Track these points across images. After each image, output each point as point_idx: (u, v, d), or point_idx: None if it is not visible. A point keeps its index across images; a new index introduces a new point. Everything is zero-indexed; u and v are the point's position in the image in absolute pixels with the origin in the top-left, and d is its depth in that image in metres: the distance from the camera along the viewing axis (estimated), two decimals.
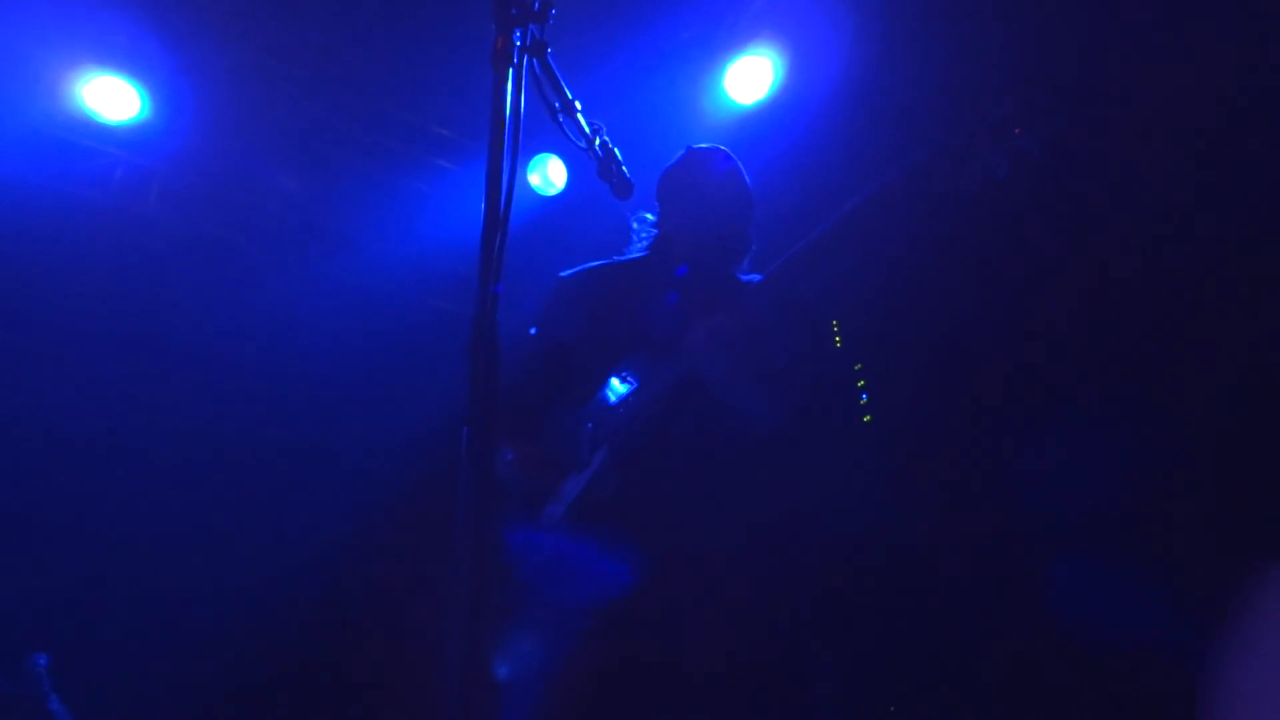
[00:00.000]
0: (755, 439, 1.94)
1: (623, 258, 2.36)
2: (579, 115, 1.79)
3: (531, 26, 1.46)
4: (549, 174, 4.32)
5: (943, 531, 3.37)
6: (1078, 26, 3.09)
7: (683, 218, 2.30)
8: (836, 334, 3.70)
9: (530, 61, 1.49)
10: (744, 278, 2.28)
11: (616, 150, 2.00)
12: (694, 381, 1.91)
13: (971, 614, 3.24)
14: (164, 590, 4.13)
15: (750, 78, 3.93)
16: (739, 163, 2.36)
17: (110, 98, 3.91)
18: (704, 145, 2.40)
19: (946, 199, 1.71)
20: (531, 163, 4.29)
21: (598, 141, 1.93)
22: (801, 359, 2.05)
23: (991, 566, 3.21)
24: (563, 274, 2.35)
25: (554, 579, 1.95)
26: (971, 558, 3.29)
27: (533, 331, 2.26)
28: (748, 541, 1.94)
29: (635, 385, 2.02)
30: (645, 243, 2.34)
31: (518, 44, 1.43)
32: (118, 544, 4.13)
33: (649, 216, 2.38)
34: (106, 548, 4.10)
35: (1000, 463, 3.27)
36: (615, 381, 2.06)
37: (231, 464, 4.51)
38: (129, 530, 4.17)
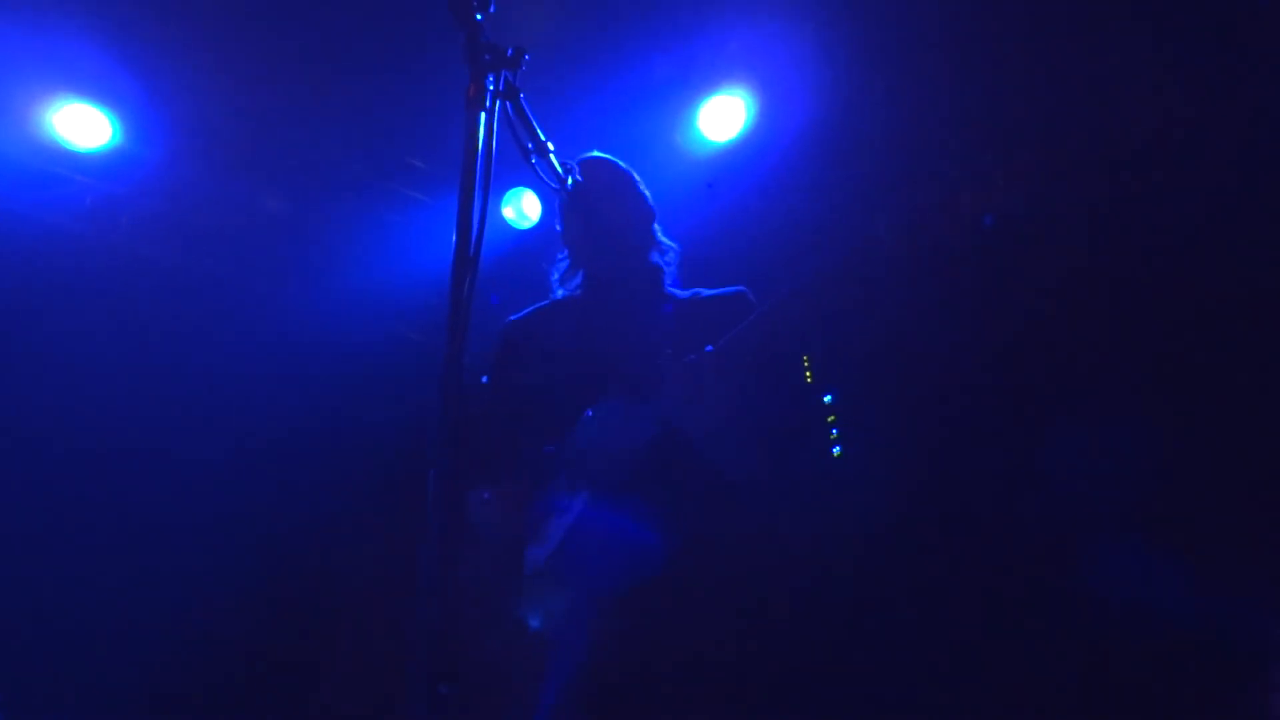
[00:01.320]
0: (731, 484, 1.95)
1: (564, 295, 2.38)
2: (551, 156, 1.82)
3: (504, 72, 1.48)
4: (523, 208, 4.35)
5: (939, 539, 3.35)
6: (1038, 68, 3.19)
7: (571, 245, 2.33)
8: (808, 369, 3.74)
9: (503, 105, 1.52)
10: (681, 293, 2.30)
11: None
12: (670, 431, 1.91)
13: (968, 614, 3.21)
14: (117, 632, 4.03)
15: (723, 116, 4.01)
16: (604, 161, 2.32)
17: (81, 125, 3.88)
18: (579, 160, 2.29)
19: (930, 251, 1.73)
20: (505, 196, 4.32)
21: (570, 181, 1.95)
22: (778, 407, 2.05)
23: (988, 563, 3.20)
24: (511, 318, 2.37)
25: (589, 555, 1.95)
26: (972, 558, 3.27)
27: (484, 380, 2.26)
28: (728, 573, 1.95)
29: (611, 432, 2.01)
30: (576, 279, 2.37)
31: (490, 89, 1.45)
32: (74, 587, 4.04)
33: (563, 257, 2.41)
34: (65, 591, 4.02)
35: (997, 460, 3.27)
36: (585, 422, 2.06)
37: (196, 493, 4.43)
38: (89, 567, 4.08)
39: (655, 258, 2.32)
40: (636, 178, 2.37)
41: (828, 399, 3.99)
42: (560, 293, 2.38)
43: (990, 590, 3.14)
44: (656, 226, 2.38)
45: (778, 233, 3.97)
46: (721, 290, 2.27)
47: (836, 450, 3.96)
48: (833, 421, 3.97)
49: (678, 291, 2.32)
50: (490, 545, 2.06)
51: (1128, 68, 2.88)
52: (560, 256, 2.40)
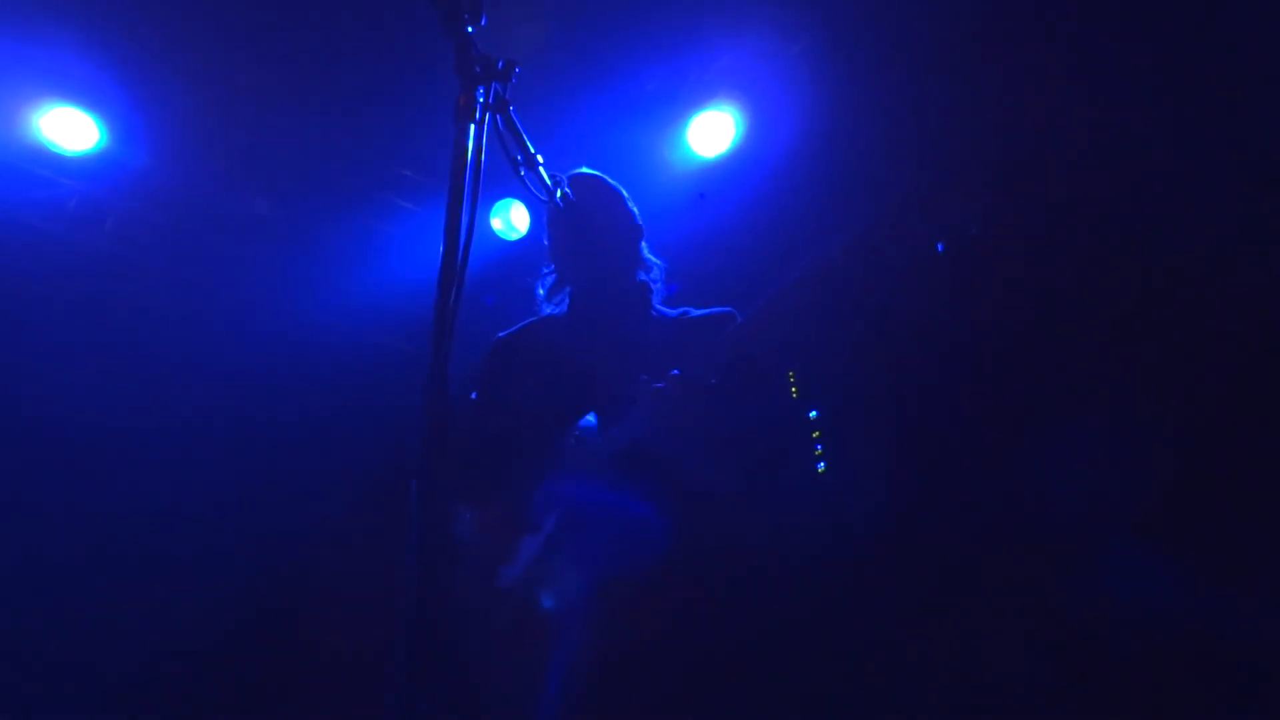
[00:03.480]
0: (707, 501, 1.95)
1: (553, 312, 2.38)
2: (540, 168, 1.82)
3: (495, 84, 1.49)
4: (512, 219, 4.36)
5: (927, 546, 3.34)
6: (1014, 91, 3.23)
7: (557, 261, 2.33)
8: (793, 385, 3.74)
9: (493, 117, 1.52)
10: (669, 312, 2.31)
11: None
12: (645, 447, 1.92)
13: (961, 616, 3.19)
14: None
15: (712, 132, 4.04)
16: (592, 178, 2.31)
17: (68, 128, 3.87)
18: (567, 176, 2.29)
19: (886, 270, 1.75)
20: (494, 208, 4.33)
21: (559, 193, 1.96)
22: (753, 425, 2.06)
23: (976, 568, 3.19)
24: (500, 335, 2.37)
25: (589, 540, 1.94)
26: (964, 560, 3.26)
27: (474, 396, 2.26)
28: (702, 581, 1.95)
29: (586, 449, 2.02)
30: (563, 295, 2.37)
31: (481, 101, 1.45)
32: (47, 589, 3.98)
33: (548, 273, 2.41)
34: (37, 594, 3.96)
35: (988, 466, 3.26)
36: (565, 440, 2.07)
37: (179, 498, 4.37)
38: (67, 569, 4.03)
39: (642, 276, 2.32)
40: (625, 194, 2.37)
41: (813, 415, 4.00)
42: (547, 309, 2.38)
43: (979, 595, 3.14)
44: (644, 245, 2.38)
45: (766, 247, 4.00)
46: (710, 310, 2.27)
47: (821, 466, 3.96)
48: (818, 437, 3.97)
49: (666, 310, 2.32)
50: (472, 562, 2.06)
51: (1107, 80, 2.93)
52: (546, 271, 2.40)
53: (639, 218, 2.38)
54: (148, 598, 4.08)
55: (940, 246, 1.70)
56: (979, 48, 3.28)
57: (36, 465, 4.11)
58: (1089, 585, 2.72)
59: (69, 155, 3.93)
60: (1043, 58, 3.07)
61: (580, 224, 2.18)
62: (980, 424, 3.29)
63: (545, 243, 2.38)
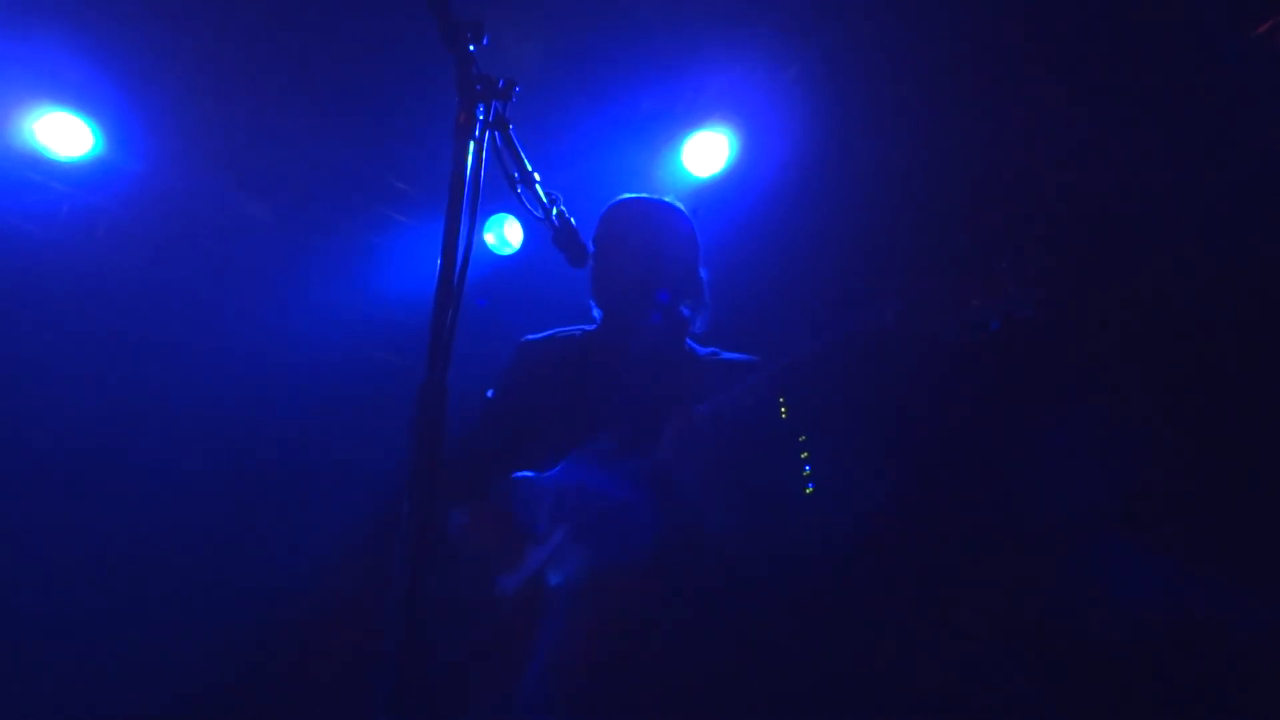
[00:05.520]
0: (710, 533, 1.96)
1: (584, 327, 2.37)
2: (537, 186, 1.83)
3: (495, 102, 1.51)
4: (505, 234, 4.37)
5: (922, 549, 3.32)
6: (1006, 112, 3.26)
7: (596, 285, 2.30)
8: (782, 406, 3.74)
9: (492, 134, 1.53)
10: (700, 349, 2.31)
11: (572, 220, 2.04)
12: (658, 476, 1.94)
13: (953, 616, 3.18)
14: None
15: (707, 152, 4.07)
16: (651, 206, 2.29)
17: (62, 134, 3.86)
18: (614, 202, 2.31)
19: (934, 343, 1.77)
20: (488, 222, 4.34)
21: (554, 211, 1.97)
22: (765, 465, 2.08)
23: (963, 578, 3.18)
24: (527, 337, 2.36)
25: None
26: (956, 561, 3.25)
27: (490, 394, 2.25)
28: (702, 617, 1.95)
29: (599, 468, 2.02)
30: (599, 314, 2.37)
31: (480, 118, 1.47)
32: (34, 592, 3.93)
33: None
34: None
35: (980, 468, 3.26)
36: (575, 458, 2.07)
37: (166, 509, 4.33)
38: (54, 571, 3.98)
39: (682, 309, 2.28)
40: (677, 218, 2.31)
41: (802, 438, 3.99)
42: (593, 322, 2.34)
43: (974, 599, 3.13)
44: (702, 271, 2.33)
45: (759, 267, 4.01)
46: (740, 356, 2.26)
47: (810, 487, 3.96)
48: (806, 458, 3.97)
49: (697, 347, 2.31)
50: (465, 566, 2.06)
51: (1107, 98, 2.96)
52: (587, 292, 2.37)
53: (693, 246, 2.31)
54: (139, 601, 4.03)
55: (995, 325, 1.71)
56: (976, 70, 3.32)
57: (26, 474, 4.06)
58: (1084, 587, 2.72)
59: (63, 161, 3.92)
60: (1042, 80, 3.11)
61: (616, 253, 2.17)
62: (975, 426, 3.29)
63: (589, 259, 2.34)
